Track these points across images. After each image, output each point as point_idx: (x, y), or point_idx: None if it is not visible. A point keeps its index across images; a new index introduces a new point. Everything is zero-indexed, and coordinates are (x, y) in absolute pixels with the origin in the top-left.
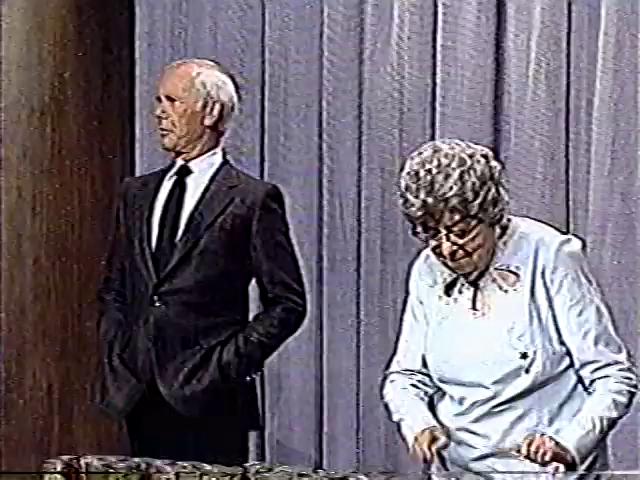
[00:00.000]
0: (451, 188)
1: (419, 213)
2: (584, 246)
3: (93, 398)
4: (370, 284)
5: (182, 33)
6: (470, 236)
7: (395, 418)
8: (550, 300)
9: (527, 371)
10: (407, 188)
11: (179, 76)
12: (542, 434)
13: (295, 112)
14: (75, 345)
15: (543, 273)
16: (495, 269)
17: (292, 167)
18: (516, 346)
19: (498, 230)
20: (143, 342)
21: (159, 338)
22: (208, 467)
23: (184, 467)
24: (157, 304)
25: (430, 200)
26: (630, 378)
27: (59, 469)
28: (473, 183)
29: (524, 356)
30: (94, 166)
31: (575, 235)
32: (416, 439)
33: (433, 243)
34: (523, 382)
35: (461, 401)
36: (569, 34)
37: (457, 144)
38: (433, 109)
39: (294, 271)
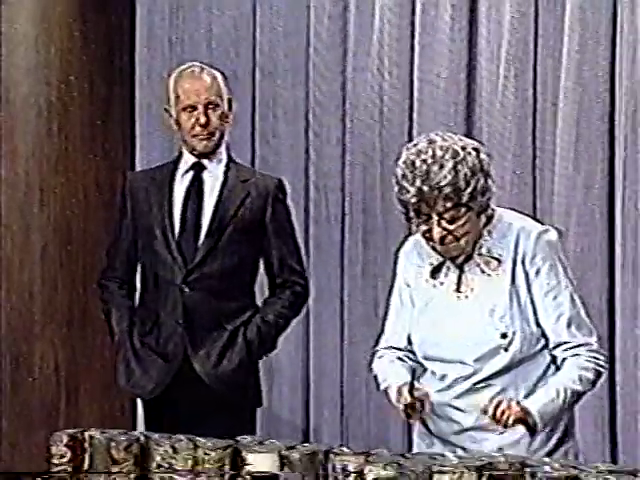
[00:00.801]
0: (445, 177)
1: (414, 200)
2: (560, 236)
3: (116, 381)
4: (353, 267)
5: (179, 38)
6: (459, 223)
7: (382, 387)
8: (529, 285)
9: (506, 350)
10: (404, 176)
11: (206, 82)
12: (510, 399)
13: (283, 111)
14: (80, 327)
15: (523, 260)
16: (480, 255)
17: (281, 161)
18: (497, 326)
19: (484, 219)
20: (173, 326)
21: (189, 322)
22: (202, 440)
23: (180, 440)
24: (186, 290)
25: (425, 188)
26: (598, 358)
27: (65, 442)
28: (465, 173)
29: (504, 336)
30: (97, 162)
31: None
32: (398, 391)
33: (424, 228)
34: (502, 360)
35: (443, 378)
36: (536, 38)
37: (450, 137)
38: (411, 108)
39: (298, 256)
